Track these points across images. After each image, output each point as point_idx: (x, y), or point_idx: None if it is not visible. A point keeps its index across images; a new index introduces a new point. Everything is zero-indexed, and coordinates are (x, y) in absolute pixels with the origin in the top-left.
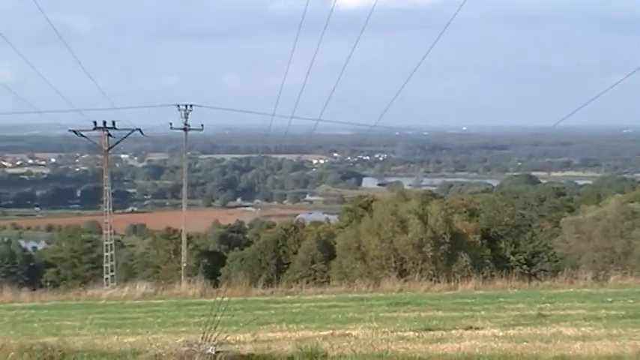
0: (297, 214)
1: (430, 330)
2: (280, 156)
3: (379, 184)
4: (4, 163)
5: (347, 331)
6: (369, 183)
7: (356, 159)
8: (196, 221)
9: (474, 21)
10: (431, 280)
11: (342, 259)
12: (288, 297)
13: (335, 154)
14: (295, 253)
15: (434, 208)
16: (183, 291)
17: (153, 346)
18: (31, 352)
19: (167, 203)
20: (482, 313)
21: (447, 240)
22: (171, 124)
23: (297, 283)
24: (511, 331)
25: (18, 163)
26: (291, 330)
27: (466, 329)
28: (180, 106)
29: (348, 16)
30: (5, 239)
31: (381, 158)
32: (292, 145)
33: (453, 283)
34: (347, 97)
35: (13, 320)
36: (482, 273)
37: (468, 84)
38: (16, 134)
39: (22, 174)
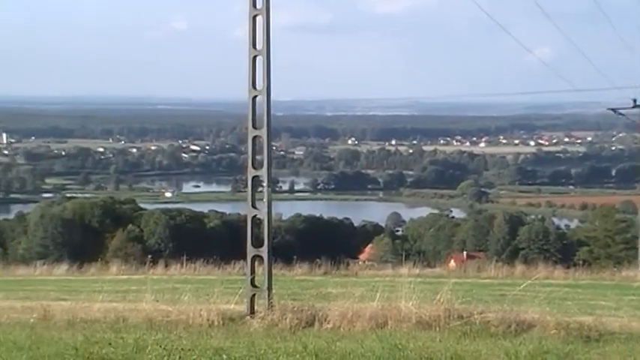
0: None
1: None
2: None
3: None
4: (540, 141)
5: None
6: None
7: None
8: None
9: None
10: None
11: None
12: None
13: None
14: None
15: None
16: None
17: None
18: (567, 330)
19: None
20: None
21: None
22: None
23: None
24: None
25: (554, 141)
26: None
27: None
28: None
29: None
30: (539, 217)
31: None
32: None
33: None
34: None
35: (548, 297)
36: None
37: None
38: (553, 113)
39: (558, 152)
